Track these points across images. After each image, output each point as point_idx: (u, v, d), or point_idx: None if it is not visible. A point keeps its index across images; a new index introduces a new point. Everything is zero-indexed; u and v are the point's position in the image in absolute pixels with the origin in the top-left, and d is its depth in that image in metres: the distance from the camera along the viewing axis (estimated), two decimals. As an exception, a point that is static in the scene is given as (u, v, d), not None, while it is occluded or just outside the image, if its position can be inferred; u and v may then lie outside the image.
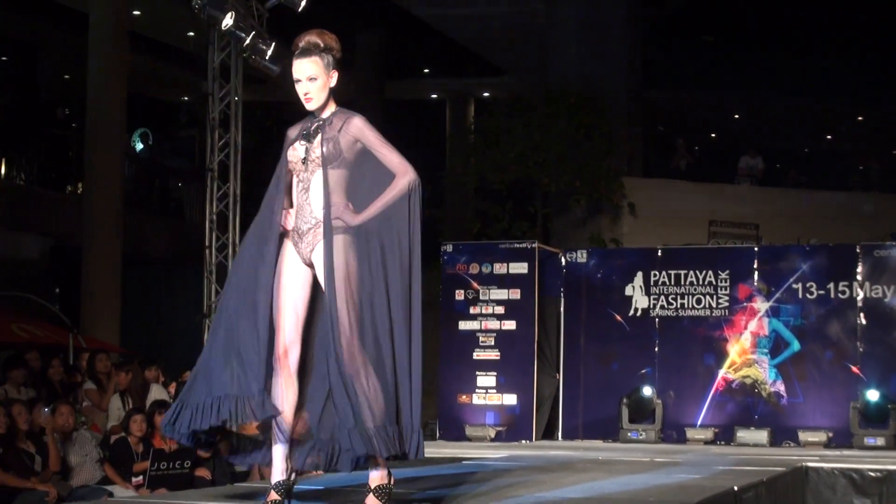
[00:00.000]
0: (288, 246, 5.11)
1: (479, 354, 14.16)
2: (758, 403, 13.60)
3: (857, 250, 13.70)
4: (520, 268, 14.16)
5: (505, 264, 14.23)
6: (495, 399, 14.07)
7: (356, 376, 4.85)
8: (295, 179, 5.16)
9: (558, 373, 14.30)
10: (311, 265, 5.07)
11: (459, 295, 14.31)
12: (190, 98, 24.79)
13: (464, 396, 14.14)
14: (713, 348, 13.85)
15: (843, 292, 13.59)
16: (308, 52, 5.09)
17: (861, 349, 13.43)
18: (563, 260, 14.58)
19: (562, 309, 14.43)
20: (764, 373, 13.62)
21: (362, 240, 5.00)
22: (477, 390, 14.07)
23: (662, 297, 14.10)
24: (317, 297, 5.11)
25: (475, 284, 14.28)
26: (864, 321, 13.47)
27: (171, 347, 17.66)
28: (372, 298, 4.96)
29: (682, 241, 17.45)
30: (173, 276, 19.86)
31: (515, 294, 14.13)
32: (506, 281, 14.18)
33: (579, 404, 14.20)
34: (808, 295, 13.66)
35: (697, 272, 14.03)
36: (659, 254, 14.40)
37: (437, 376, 14.86)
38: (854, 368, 13.40)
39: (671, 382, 13.92)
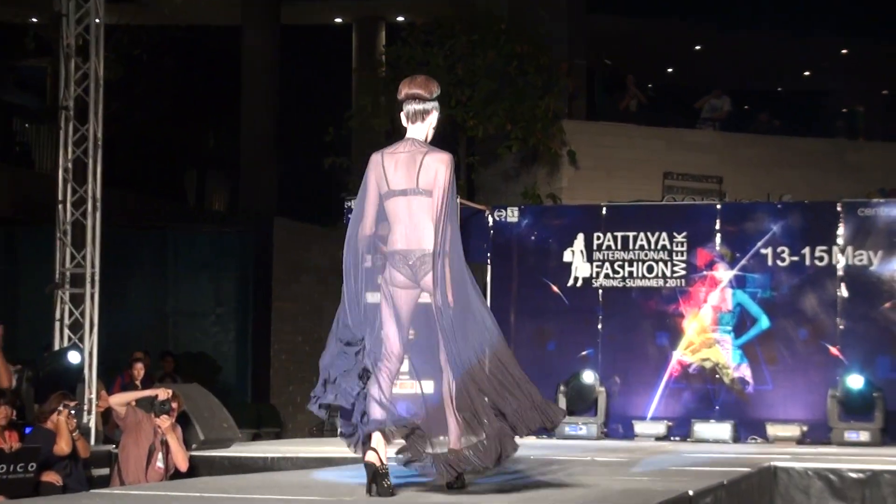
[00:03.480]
0: None
1: (390, 333, 14.08)
2: (719, 391, 13.70)
3: (839, 208, 13.80)
4: (439, 228, 14.09)
5: (419, 225, 14.16)
6: (408, 386, 13.98)
7: None
8: None
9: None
10: None
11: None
12: (39, 20, 24.36)
13: (370, 382, 14.05)
14: (667, 326, 13.94)
15: (821, 259, 13.69)
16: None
17: (841, 326, 13.54)
18: (490, 219, 14.56)
19: (488, 278, 14.45)
20: (726, 355, 13.72)
21: None
22: (386, 375, 14.00)
23: (607, 264, 14.13)
24: None
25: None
26: (845, 293, 13.59)
27: (13, 325, 17.39)
28: None
29: (632, 196, 17.45)
30: (17, 237, 19.55)
31: (434, 260, 14.06)
32: (421, 245, 14.11)
33: (508, 392, 14.16)
34: (779, 262, 13.75)
35: (649, 234, 14.10)
36: (604, 212, 14.44)
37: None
38: (833, 349, 13.52)
39: (617, 366, 13.97)
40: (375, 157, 7.02)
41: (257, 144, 23.59)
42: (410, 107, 7.03)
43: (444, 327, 7.04)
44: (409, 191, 6.96)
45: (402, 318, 7.17)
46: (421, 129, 7.06)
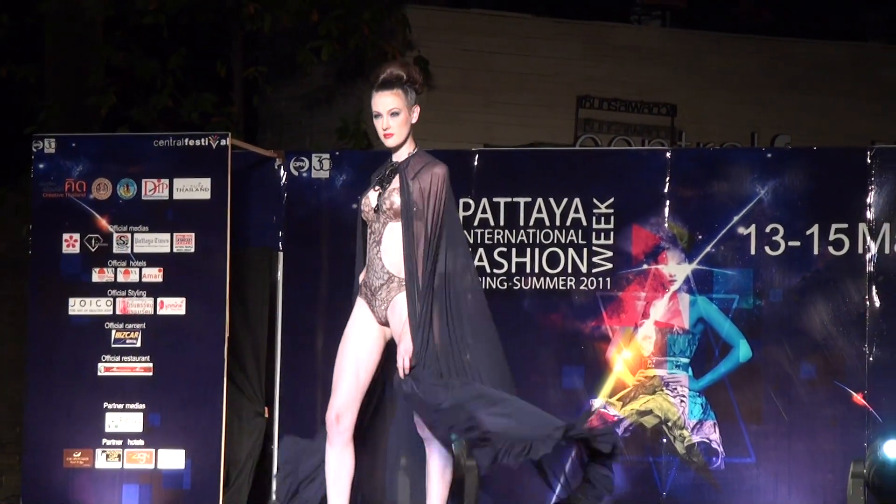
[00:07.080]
0: (359, 303, 9.70)
1: (109, 367, 14.23)
2: (668, 467, 13.80)
3: (869, 159, 14.00)
4: (196, 188, 14.34)
5: (166, 181, 14.38)
6: (142, 459, 14.00)
7: None
8: (368, 230, 9.60)
9: (267, 405, 14.36)
10: (385, 323, 9.57)
11: (70, 244, 14.35)
12: None
13: (76, 454, 14.08)
14: (581, 356, 14.05)
15: (839, 244, 13.87)
16: (390, 84, 9.45)
17: (871, 358, 13.69)
18: (283, 172, 14.67)
19: (280, 273, 14.61)
20: (680, 406, 13.81)
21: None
22: (105, 441, 14.08)
23: (481, 252, 14.26)
24: (386, 360, 9.66)
25: (103, 222, 14.34)
26: (877, 301, 13.74)
27: None
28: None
29: (525, 137, 17.51)
30: None
31: (187, 243, 14.30)
32: (167, 216, 14.31)
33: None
34: (768, 249, 13.91)
35: (552, 201, 14.23)
36: (476, 162, 14.56)
37: (22, 411, 14.67)
38: (857, 396, 13.65)
39: (496, 424, 13.95)
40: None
41: None
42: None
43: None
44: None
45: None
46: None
